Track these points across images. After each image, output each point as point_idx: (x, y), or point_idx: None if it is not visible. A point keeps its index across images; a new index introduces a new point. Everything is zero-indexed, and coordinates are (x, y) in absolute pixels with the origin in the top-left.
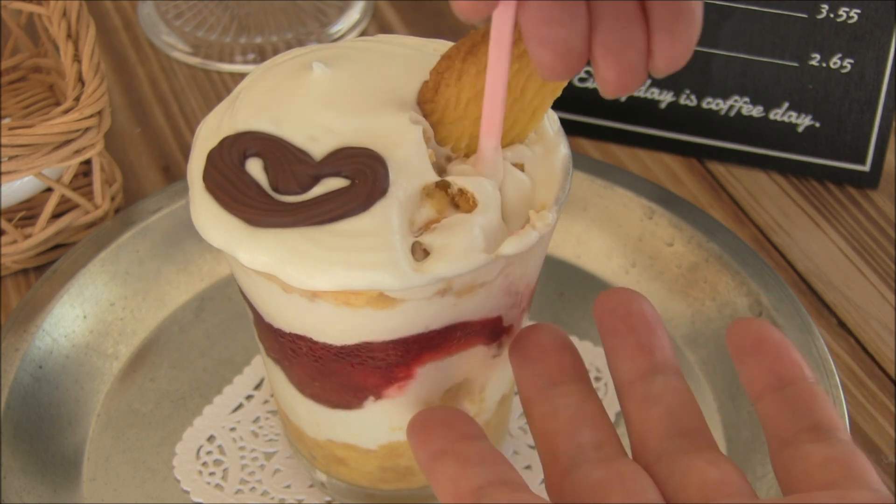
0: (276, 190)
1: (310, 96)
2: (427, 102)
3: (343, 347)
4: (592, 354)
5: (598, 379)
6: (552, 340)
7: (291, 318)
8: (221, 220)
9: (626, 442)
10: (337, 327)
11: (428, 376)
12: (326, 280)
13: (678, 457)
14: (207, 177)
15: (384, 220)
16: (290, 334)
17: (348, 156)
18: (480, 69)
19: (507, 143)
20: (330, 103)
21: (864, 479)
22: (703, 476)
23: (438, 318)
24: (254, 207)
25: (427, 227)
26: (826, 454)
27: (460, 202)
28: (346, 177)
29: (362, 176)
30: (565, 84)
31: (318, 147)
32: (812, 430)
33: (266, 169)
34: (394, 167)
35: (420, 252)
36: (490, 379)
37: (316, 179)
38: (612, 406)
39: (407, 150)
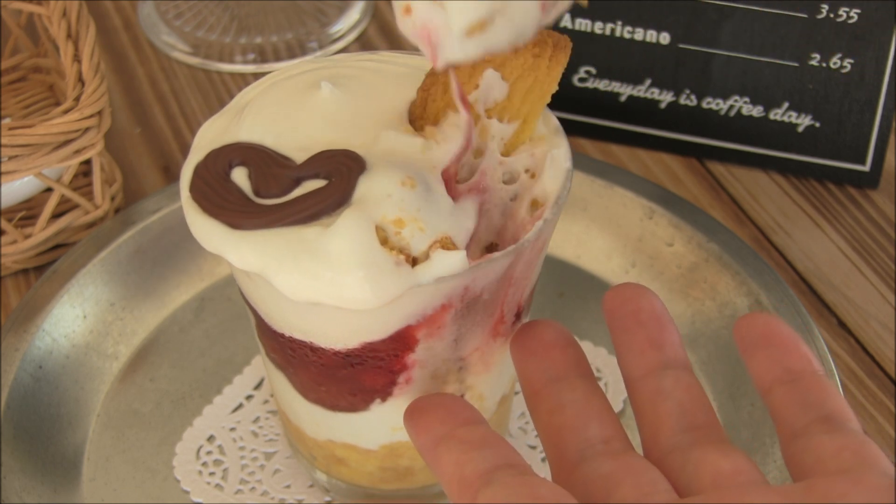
0: (257, 194)
1: (314, 113)
2: (417, 119)
3: (350, 351)
4: (593, 354)
5: (598, 378)
6: (556, 336)
7: (294, 319)
8: (208, 224)
9: (633, 439)
10: (339, 327)
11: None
12: (307, 293)
13: (690, 450)
14: (194, 187)
15: (361, 216)
16: (294, 339)
17: (327, 157)
18: (464, 79)
19: (502, 151)
20: (332, 121)
21: (878, 466)
22: (715, 466)
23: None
24: (235, 211)
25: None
26: (838, 444)
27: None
28: (324, 177)
29: (338, 174)
30: (553, 90)
31: (305, 155)
32: (823, 420)
33: (250, 176)
34: (373, 163)
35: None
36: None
37: (297, 182)
38: (612, 405)
39: (387, 142)
